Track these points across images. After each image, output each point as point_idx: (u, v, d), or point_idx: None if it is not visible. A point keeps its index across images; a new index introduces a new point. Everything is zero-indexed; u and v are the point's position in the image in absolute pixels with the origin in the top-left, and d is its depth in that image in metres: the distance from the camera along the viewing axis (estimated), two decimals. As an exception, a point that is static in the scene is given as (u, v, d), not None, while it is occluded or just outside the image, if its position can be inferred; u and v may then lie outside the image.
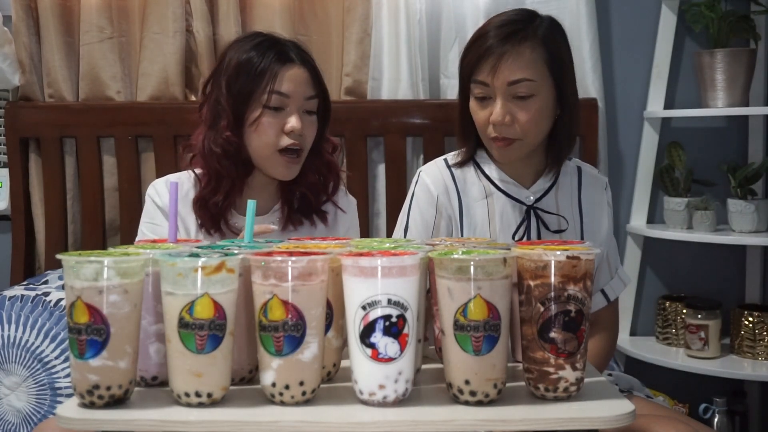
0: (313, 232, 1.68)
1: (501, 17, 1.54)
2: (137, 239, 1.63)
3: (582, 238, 1.61)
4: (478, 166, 1.62)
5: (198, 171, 1.66)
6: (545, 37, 1.49)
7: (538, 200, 1.60)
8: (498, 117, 1.48)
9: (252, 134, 1.58)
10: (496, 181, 1.60)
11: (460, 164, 1.63)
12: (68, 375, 2.00)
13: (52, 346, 2.06)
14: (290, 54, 1.59)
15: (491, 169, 1.61)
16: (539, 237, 1.58)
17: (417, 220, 1.60)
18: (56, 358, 2.05)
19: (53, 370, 2.04)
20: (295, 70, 1.58)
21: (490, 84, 1.49)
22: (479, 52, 1.50)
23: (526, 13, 1.53)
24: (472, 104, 1.54)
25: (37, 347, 2.06)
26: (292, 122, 1.56)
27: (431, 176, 1.62)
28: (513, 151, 1.53)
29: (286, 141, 1.57)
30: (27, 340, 2.06)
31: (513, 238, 1.57)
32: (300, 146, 1.59)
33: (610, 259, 1.67)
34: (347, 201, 1.77)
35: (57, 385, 2.04)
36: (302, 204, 1.68)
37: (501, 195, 1.60)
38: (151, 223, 1.65)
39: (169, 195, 1.30)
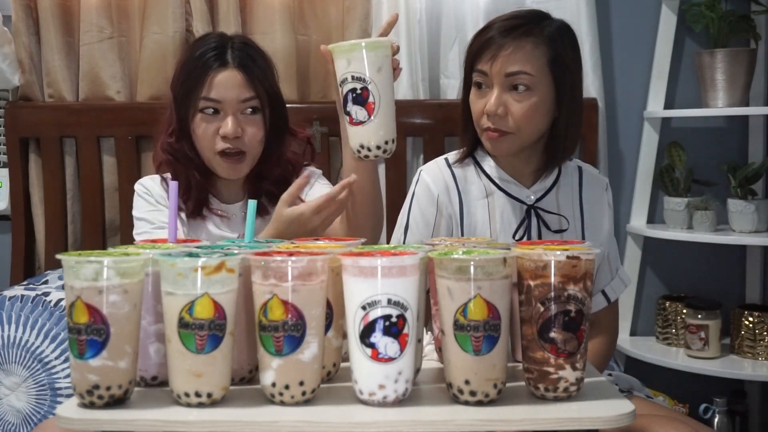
0: None
1: (512, 13, 1.55)
2: (138, 232, 1.65)
3: (583, 238, 1.61)
4: (478, 165, 1.63)
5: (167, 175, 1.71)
6: (551, 36, 1.49)
7: (538, 200, 1.60)
8: (492, 107, 1.49)
9: (194, 138, 1.63)
10: (497, 180, 1.60)
11: (461, 160, 1.63)
12: (68, 375, 2.00)
13: (52, 346, 2.06)
14: (225, 57, 1.60)
15: (491, 168, 1.61)
16: (540, 237, 1.58)
17: (417, 219, 1.60)
18: (56, 358, 2.05)
19: (53, 371, 2.04)
20: (226, 74, 1.59)
21: (488, 73, 1.49)
22: (482, 41, 1.51)
23: (536, 13, 1.54)
24: (472, 94, 1.55)
25: (37, 347, 2.06)
26: (226, 127, 1.58)
27: (432, 175, 1.62)
28: (504, 144, 1.52)
29: (221, 145, 1.60)
30: (27, 340, 2.06)
31: (513, 237, 1.57)
32: (238, 148, 1.61)
33: (611, 259, 1.67)
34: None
35: (57, 385, 2.04)
36: (268, 197, 1.70)
37: (501, 194, 1.60)
38: (153, 210, 1.67)
39: (169, 194, 1.31)
